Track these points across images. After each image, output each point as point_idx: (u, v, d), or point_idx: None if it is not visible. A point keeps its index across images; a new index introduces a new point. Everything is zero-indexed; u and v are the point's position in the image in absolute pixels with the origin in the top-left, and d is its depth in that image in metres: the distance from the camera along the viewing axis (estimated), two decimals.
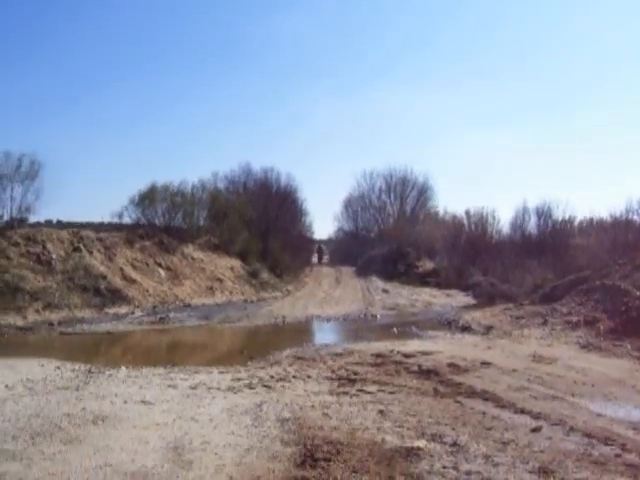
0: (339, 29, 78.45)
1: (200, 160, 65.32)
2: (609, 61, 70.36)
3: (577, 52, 71.37)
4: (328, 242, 53.54)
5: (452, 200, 69.07)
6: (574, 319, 16.46)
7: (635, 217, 28.55)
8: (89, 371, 10.69)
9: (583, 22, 70.21)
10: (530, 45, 73.64)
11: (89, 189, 53.15)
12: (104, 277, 21.85)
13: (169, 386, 9.34)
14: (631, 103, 66.95)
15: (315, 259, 46.99)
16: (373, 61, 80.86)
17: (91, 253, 22.99)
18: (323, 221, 73.09)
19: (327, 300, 26.28)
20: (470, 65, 76.27)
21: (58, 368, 10.88)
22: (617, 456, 6.12)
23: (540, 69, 72.34)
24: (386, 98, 70.99)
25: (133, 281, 23.12)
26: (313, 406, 8.02)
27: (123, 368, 11.05)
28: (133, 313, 20.28)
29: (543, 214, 34.09)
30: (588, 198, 68.34)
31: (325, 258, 49.63)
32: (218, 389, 9.15)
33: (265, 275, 30.87)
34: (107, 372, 10.59)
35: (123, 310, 20.53)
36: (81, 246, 22.94)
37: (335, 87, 77.51)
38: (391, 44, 78.75)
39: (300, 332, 18.33)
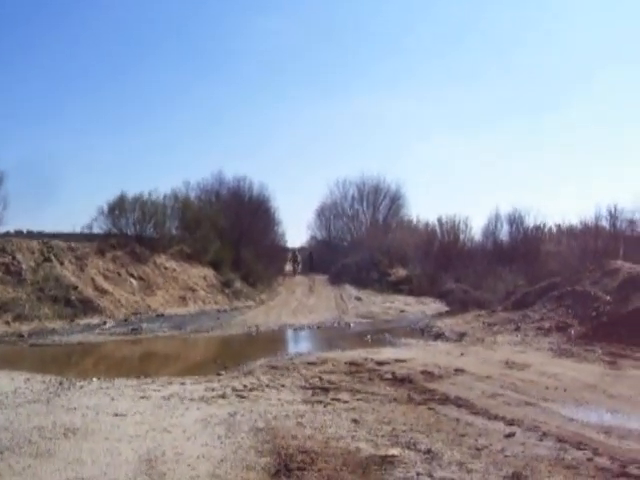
0: (315, 36, 78.32)
1: (173, 169, 64.97)
2: (580, 66, 71.10)
3: (548, 58, 71.94)
4: (301, 250, 53.45)
5: (425, 207, 69.44)
6: (546, 325, 16.63)
7: (604, 224, 29.03)
8: (60, 383, 10.51)
9: (554, 27, 70.91)
10: (504, 51, 74.13)
11: (60, 199, 52.51)
12: (75, 287, 21.59)
13: (142, 397, 9.24)
14: (602, 108, 67.70)
15: (289, 267, 45.36)
16: (349, 67, 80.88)
17: (62, 263, 22.72)
18: (297, 230, 73.05)
19: (301, 309, 26.23)
20: (443, 71, 76.65)
21: (28, 380, 10.67)
22: (589, 460, 6.17)
23: (514, 75, 72.78)
24: (360, 105, 71.22)
25: (105, 291, 22.88)
26: (287, 415, 7.98)
27: (95, 380, 10.90)
28: (105, 324, 20.04)
29: (515, 221, 34.46)
30: (559, 205, 69.09)
31: (299, 268, 47.05)
32: (191, 400, 9.07)
33: (238, 284, 30.73)
34: (78, 384, 10.43)
35: (95, 321, 20.28)
36: (52, 256, 22.66)
37: (310, 95, 77.39)
38: (366, 50, 79.00)
39: (274, 341, 18.28)
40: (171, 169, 64.27)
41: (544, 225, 35.05)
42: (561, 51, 71.12)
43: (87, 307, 21.07)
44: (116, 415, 7.98)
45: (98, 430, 7.22)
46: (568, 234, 34.15)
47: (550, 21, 71.04)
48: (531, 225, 34.19)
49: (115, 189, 48.57)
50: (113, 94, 72.60)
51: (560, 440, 6.88)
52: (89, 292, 22.04)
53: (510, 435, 7.06)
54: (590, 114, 66.89)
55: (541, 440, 6.92)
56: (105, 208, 28.02)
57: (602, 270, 18.64)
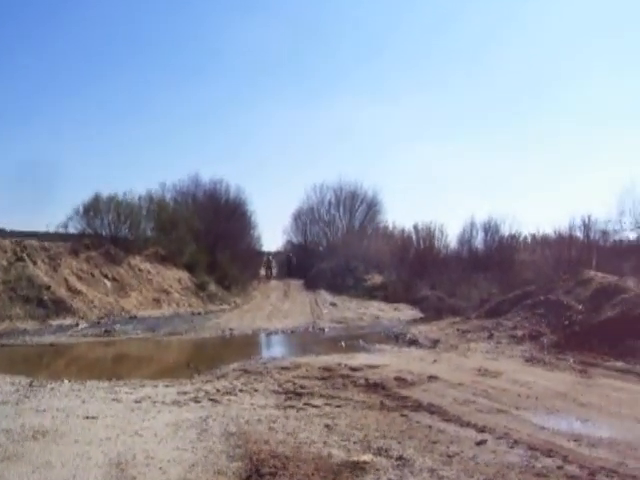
0: (295, 39, 78.54)
1: (149, 172, 64.65)
2: (553, 73, 71.96)
3: (522, 66, 72.65)
4: (277, 255, 53.28)
5: (401, 214, 69.64)
6: (519, 333, 16.75)
7: (578, 233, 29.33)
8: (30, 384, 10.39)
9: (531, 31, 71.68)
10: (478, 57, 74.74)
11: (34, 198, 51.94)
12: (48, 288, 21.38)
13: (113, 400, 9.16)
14: (576, 117, 68.49)
15: (263, 272, 44.36)
16: (329, 71, 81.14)
17: (35, 263, 22.49)
18: (274, 234, 72.85)
19: (275, 313, 26.18)
20: (421, 76, 77.16)
21: None
22: (559, 468, 6.22)
23: (490, 82, 73.39)
24: (339, 109, 71.36)
25: (78, 292, 22.68)
26: (259, 420, 7.95)
27: (66, 381, 10.80)
28: (77, 325, 19.86)
29: (490, 229, 34.68)
30: (534, 214, 69.61)
31: (273, 273, 45.91)
32: (163, 403, 9.01)
33: (213, 287, 30.64)
34: (49, 386, 10.32)
35: (67, 322, 20.09)
36: (24, 256, 22.42)
37: (287, 100, 77.38)
38: (347, 54, 79.30)
39: (248, 345, 18.22)
40: (146, 170, 63.90)
41: (519, 234, 35.37)
42: (534, 57, 71.90)
43: (60, 308, 20.87)
44: (87, 418, 7.90)
45: (68, 433, 7.14)
46: (542, 243, 34.48)
47: (527, 24, 71.85)
48: (506, 234, 34.48)
49: (90, 189, 48.38)
50: (91, 93, 72.06)
51: (531, 448, 6.92)
52: (62, 292, 21.84)
53: (482, 442, 7.09)
54: (564, 122, 67.62)
55: (512, 448, 6.96)
56: (80, 208, 27.85)
57: (575, 280, 18.83)
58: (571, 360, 13.41)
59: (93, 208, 28.02)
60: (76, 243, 25.92)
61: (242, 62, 77.79)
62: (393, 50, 76.70)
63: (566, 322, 16.16)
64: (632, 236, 27.50)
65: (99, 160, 64.86)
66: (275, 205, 73.82)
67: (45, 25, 69.83)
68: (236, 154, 71.17)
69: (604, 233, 28.88)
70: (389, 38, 76.06)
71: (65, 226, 27.45)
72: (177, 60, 77.28)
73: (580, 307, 16.68)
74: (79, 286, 23.09)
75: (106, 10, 68.44)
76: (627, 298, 15.82)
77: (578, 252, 27.42)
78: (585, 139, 65.41)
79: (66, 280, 22.87)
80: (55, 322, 19.84)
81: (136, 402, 9.02)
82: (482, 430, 7.68)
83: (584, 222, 28.75)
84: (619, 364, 12.87)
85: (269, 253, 48.75)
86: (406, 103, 73.53)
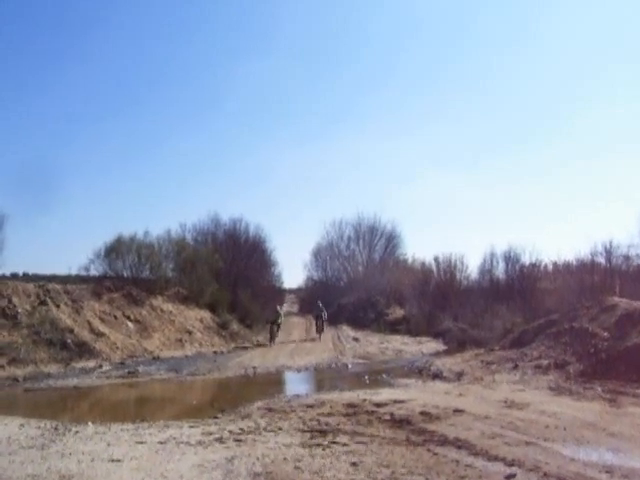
0: (301, 75, 79.84)
1: (166, 212, 65.25)
2: (568, 100, 72.16)
3: (536, 93, 72.88)
4: (298, 291, 53.25)
5: (421, 246, 69.52)
6: (544, 363, 16.54)
7: (600, 259, 29.06)
8: (55, 428, 10.41)
9: (540, 61, 71.96)
10: (491, 86, 75.17)
11: (56, 242, 52.53)
12: (71, 331, 21.47)
13: (138, 442, 9.13)
14: (593, 143, 68.33)
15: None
16: (337, 106, 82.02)
17: (58, 306, 22.63)
18: (293, 270, 72.99)
19: (298, 350, 26.07)
20: (431, 106, 77.71)
21: (22, 426, 10.57)
22: None
23: (505, 110, 73.72)
24: (352, 144, 71.84)
25: (101, 334, 22.76)
26: (285, 459, 7.88)
27: (90, 424, 10.79)
28: (101, 367, 19.89)
29: (510, 259, 34.40)
30: (554, 241, 69.17)
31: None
32: (188, 444, 8.96)
33: (235, 326, 30.67)
34: (74, 429, 10.32)
35: (91, 364, 20.13)
36: (47, 299, 22.58)
37: (301, 134, 78.44)
38: (353, 87, 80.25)
39: (271, 383, 18.12)
40: (163, 210, 64.65)
41: (540, 262, 35.05)
42: (549, 86, 72.20)
43: (83, 350, 20.93)
44: (112, 461, 7.88)
45: (94, 476, 7.12)
46: (564, 271, 34.16)
47: (536, 54, 72.25)
48: (527, 262, 34.20)
49: (110, 231, 48.79)
50: (107, 136, 73.11)
51: None
52: (85, 335, 21.92)
53: (511, 476, 6.98)
54: (581, 149, 67.58)
55: None
56: (102, 250, 28.08)
57: (599, 306, 18.60)
58: (599, 389, 13.22)
59: (115, 250, 28.23)
60: (98, 285, 26.10)
61: (255, 99, 78.95)
62: (404, 80, 77.85)
63: (592, 350, 15.94)
64: None
65: (117, 200, 65.54)
66: (295, 241, 74.25)
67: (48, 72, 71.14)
68: (253, 191, 72.22)
69: (626, 258, 28.60)
70: (396, 72, 77.10)
71: (87, 269, 27.71)
72: (191, 98, 78.52)
73: (605, 334, 16.45)
74: (102, 328, 23.18)
75: (122, 49, 69.79)
76: None
77: (601, 278, 27.11)
78: (601, 164, 65.48)
79: (89, 322, 22.97)
80: (79, 365, 19.88)
81: (161, 443, 8.98)
82: (511, 464, 7.56)
83: (605, 247, 28.50)
84: None
85: (290, 290, 48.27)
86: (419, 135, 74.08)
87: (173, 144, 76.27)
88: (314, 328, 32.48)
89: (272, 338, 28.67)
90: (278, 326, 29.64)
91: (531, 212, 66.39)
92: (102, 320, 23.91)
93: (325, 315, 31.65)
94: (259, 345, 28.45)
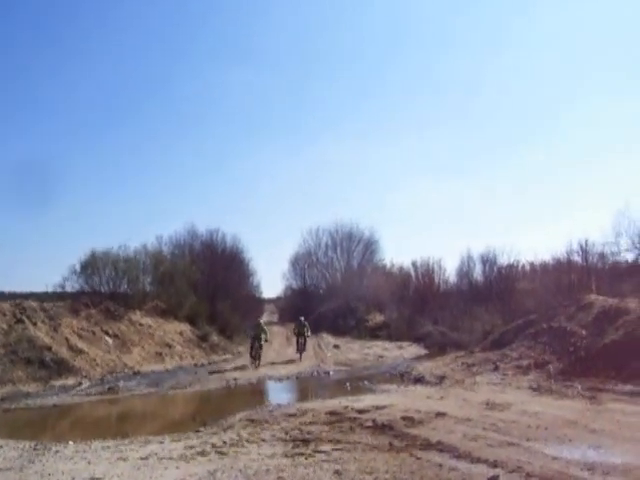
0: (285, 86, 79.73)
1: (144, 225, 64.72)
2: (545, 105, 72.84)
3: (512, 99, 73.55)
4: (277, 300, 53.09)
5: (398, 251, 69.78)
6: (524, 363, 16.64)
7: (576, 258, 29.32)
8: (34, 448, 10.22)
9: (518, 66, 72.62)
10: (467, 95, 75.65)
11: (31, 258, 52.00)
12: (49, 348, 21.18)
13: (119, 459, 9.00)
14: (568, 145, 68.97)
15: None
16: (318, 117, 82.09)
17: (35, 324, 22.31)
18: (272, 280, 72.69)
19: (279, 359, 25.97)
20: (411, 117, 78.05)
21: (0, 447, 10.42)
22: None
23: (479, 117, 74.24)
24: (331, 153, 71.95)
25: (80, 351, 22.48)
26: (268, 470, 7.82)
27: (71, 443, 10.62)
28: (81, 384, 19.64)
29: (488, 261, 34.61)
30: (530, 242, 69.65)
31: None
32: (170, 458, 8.86)
33: (215, 338, 30.46)
34: (54, 448, 10.14)
35: (70, 382, 19.86)
36: (24, 317, 22.25)
37: (281, 145, 78.09)
38: (337, 100, 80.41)
39: (253, 394, 18.04)
40: (141, 223, 64.08)
41: (517, 262, 35.26)
42: (525, 92, 72.84)
43: (62, 368, 20.64)
44: (92, 479, 7.77)
45: None
46: (541, 270, 34.40)
47: (520, 59, 72.91)
48: (504, 263, 34.40)
49: (85, 244, 48.40)
50: (83, 152, 72.56)
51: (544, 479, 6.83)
52: (63, 352, 21.63)
53: (494, 478, 6.97)
54: (555, 152, 68.16)
55: None
56: (77, 266, 27.80)
57: (577, 305, 18.77)
58: (579, 387, 13.31)
59: (90, 265, 27.95)
60: (75, 302, 25.78)
61: (235, 111, 78.79)
62: (384, 94, 77.88)
63: (571, 348, 16.07)
64: (630, 257, 27.51)
65: (95, 215, 65.10)
66: (273, 251, 74.00)
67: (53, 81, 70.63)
68: (232, 202, 71.64)
69: (602, 256, 28.89)
70: (381, 82, 77.37)
71: (62, 285, 27.41)
72: (171, 112, 78.09)
73: (583, 332, 16.59)
74: (80, 345, 22.90)
75: (106, 65, 69.44)
76: (629, 320, 15.77)
77: (577, 277, 27.34)
78: (578, 167, 66.11)
79: (67, 340, 22.68)
80: (58, 382, 19.61)
81: (142, 459, 8.87)
82: (494, 465, 7.56)
83: (581, 246, 28.77)
84: (627, 387, 12.80)
85: (269, 299, 48.08)
86: (396, 141, 74.33)
87: (153, 157, 75.86)
88: (294, 337, 28.73)
89: (255, 358, 24.01)
90: (260, 344, 24.36)
91: (508, 215, 66.81)
92: (80, 337, 23.62)
93: (308, 332, 27.77)
94: (237, 368, 24.12)
